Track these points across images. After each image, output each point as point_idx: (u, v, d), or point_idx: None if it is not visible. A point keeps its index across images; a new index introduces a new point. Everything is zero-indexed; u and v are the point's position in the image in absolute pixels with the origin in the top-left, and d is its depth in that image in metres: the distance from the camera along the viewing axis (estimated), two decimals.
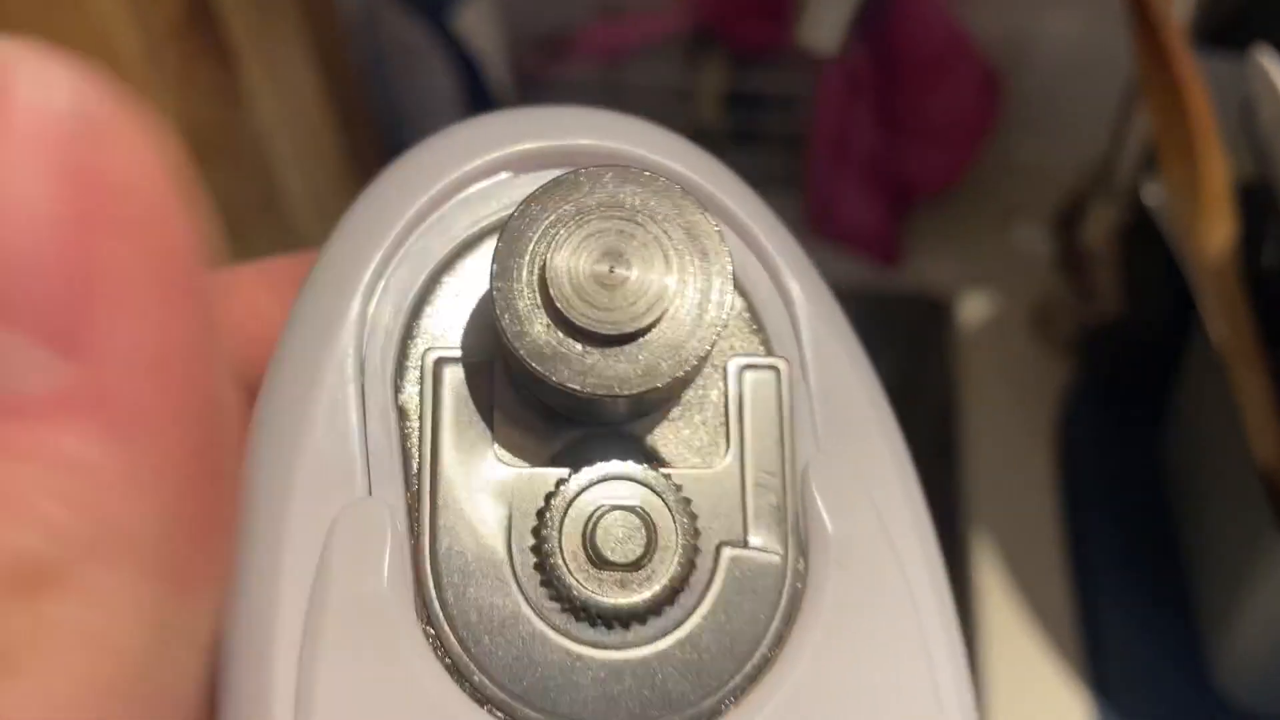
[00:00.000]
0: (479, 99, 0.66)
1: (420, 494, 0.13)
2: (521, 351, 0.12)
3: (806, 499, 0.14)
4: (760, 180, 0.73)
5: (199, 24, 0.48)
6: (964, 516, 0.60)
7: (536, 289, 0.12)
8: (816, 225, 0.70)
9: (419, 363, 0.13)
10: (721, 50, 0.71)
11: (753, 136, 0.75)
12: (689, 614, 0.13)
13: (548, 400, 0.13)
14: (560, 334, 0.12)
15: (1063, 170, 0.70)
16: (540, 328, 0.12)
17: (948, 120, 0.67)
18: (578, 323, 0.12)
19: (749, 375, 0.14)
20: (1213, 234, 0.40)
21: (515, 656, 0.12)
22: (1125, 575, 0.54)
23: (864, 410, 0.15)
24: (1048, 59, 0.71)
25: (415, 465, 0.13)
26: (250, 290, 0.14)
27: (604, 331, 0.12)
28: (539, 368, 0.12)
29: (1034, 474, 0.59)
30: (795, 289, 0.15)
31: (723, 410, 0.14)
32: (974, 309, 0.67)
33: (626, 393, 0.12)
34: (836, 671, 0.13)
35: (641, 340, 0.12)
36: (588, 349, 0.12)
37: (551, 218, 0.13)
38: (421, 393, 0.13)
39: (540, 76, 0.73)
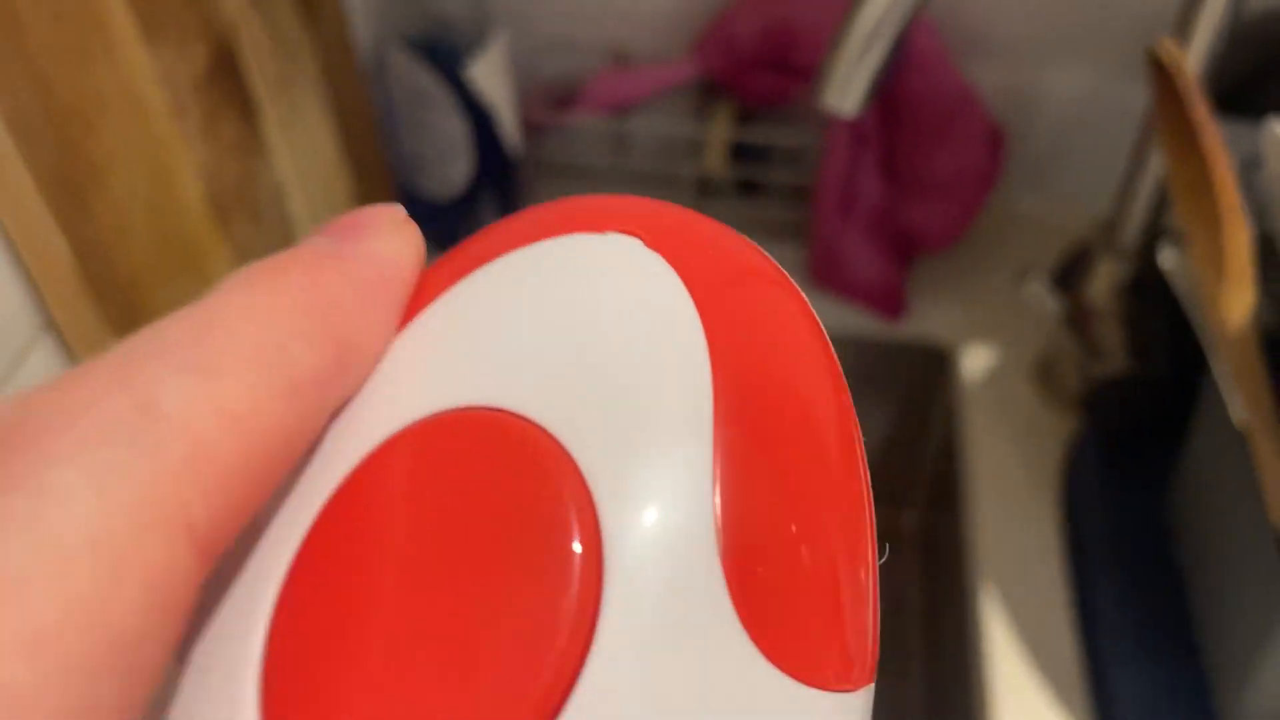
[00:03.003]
0: (490, 148, 0.66)
1: None
2: None
3: None
4: (766, 231, 0.74)
5: (222, 77, 0.48)
6: (969, 569, 0.60)
7: None
8: (822, 277, 0.70)
9: None
10: (729, 102, 0.71)
11: (759, 188, 0.76)
12: None
13: None
14: None
15: (1067, 225, 0.71)
16: None
17: (953, 175, 0.68)
18: None
19: None
20: (1236, 304, 0.41)
21: None
22: (1133, 630, 0.54)
23: None
24: (1053, 115, 0.72)
25: None
26: None
27: None
28: None
29: (1039, 527, 0.60)
30: None
31: None
32: (978, 361, 0.68)
33: None
34: None
35: None
36: None
37: None
38: None
39: (550, 126, 0.74)
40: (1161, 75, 0.41)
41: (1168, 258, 0.46)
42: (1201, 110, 0.38)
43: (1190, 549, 0.55)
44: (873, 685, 0.12)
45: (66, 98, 0.39)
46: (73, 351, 0.42)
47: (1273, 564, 0.44)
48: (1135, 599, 0.56)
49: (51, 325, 0.41)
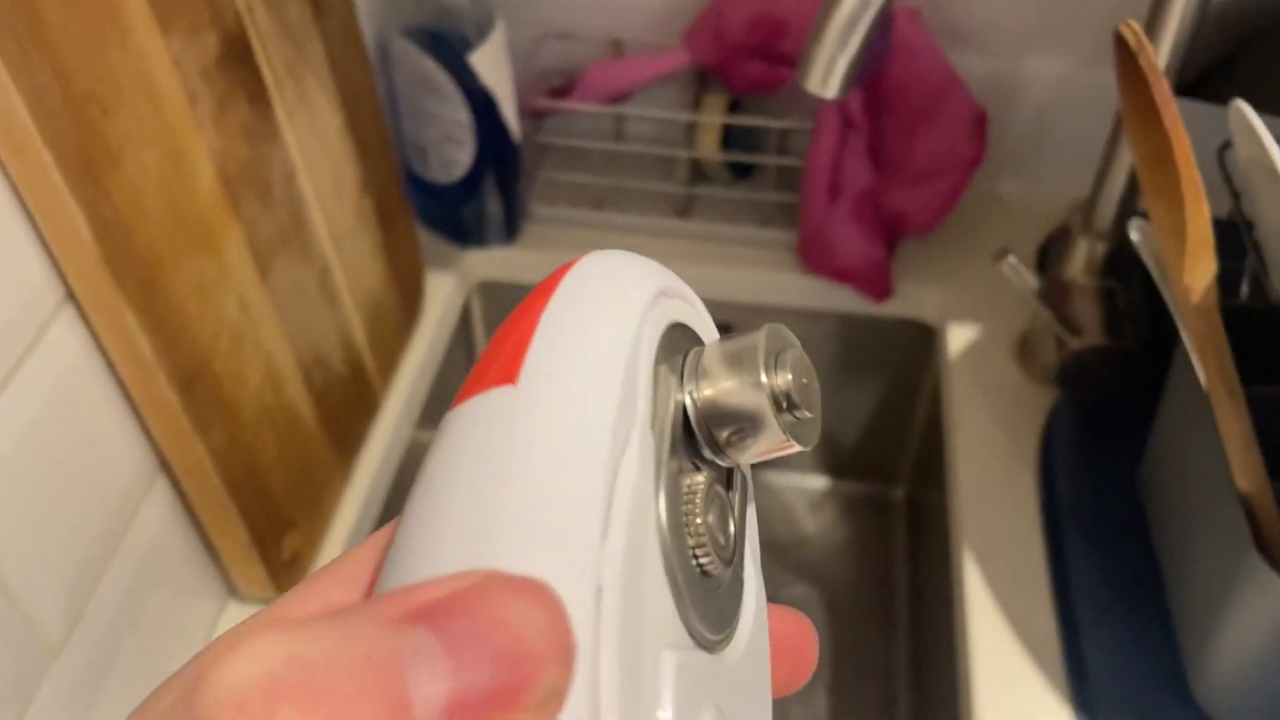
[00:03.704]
0: (492, 133, 0.68)
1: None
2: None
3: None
4: (758, 214, 0.76)
5: (233, 64, 0.50)
6: (952, 538, 0.62)
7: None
8: (811, 260, 0.73)
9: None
10: (721, 88, 0.74)
11: (751, 171, 0.78)
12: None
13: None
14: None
15: (1047, 207, 0.73)
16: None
17: (938, 159, 0.70)
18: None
19: None
20: (1198, 275, 0.43)
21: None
22: (1106, 595, 0.56)
23: None
24: (1034, 101, 0.74)
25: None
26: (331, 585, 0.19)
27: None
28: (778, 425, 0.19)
29: (1019, 497, 0.62)
30: None
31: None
32: (962, 337, 0.70)
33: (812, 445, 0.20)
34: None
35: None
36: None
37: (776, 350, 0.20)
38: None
39: (550, 111, 0.76)
40: (1125, 55, 0.43)
41: (1136, 231, 0.48)
42: (1163, 87, 0.40)
43: (1160, 515, 0.57)
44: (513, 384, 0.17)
45: (83, 82, 0.41)
46: (92, 323, 0.44)
47: (1235, 526, 0.46)
48: (1109, 563, 0.58)
49: (72, 298, 0.43)
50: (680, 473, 0.19)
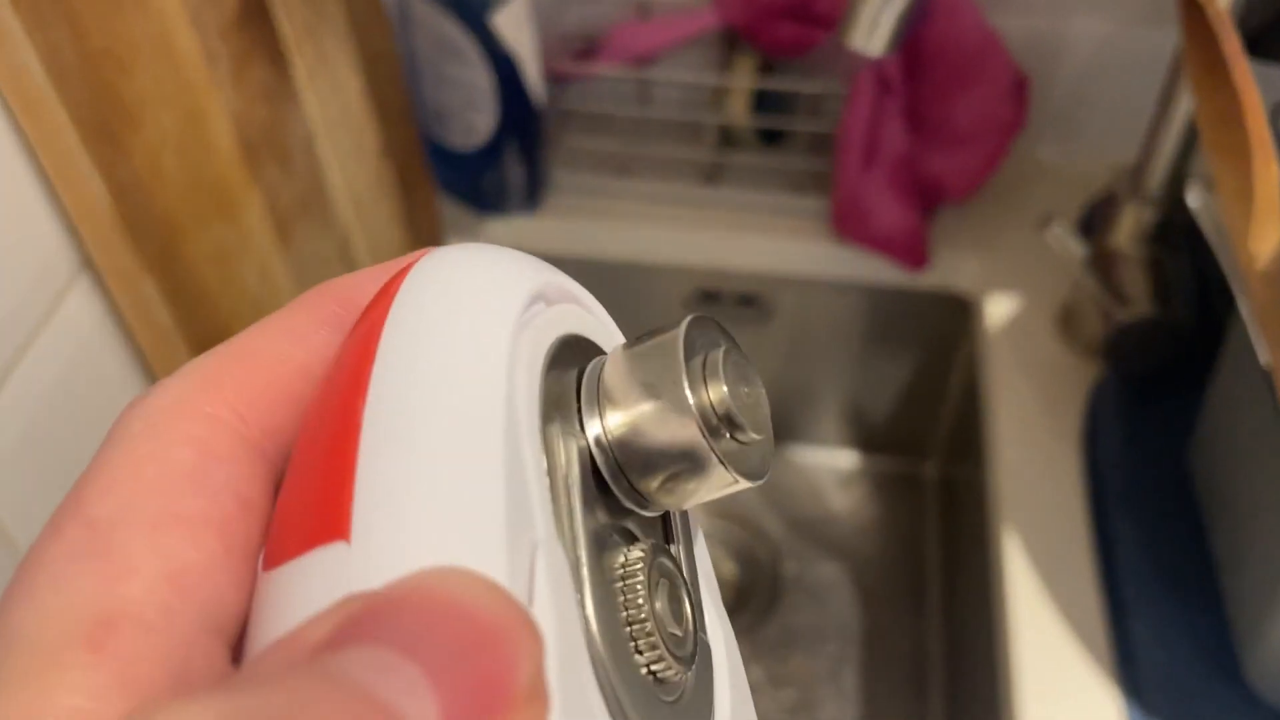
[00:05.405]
0: (514, 98, 0.66)
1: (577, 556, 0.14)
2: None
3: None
4: (788, 182, 0.74)
5: (251, 23, 0.48)
6: (991, 515, 0.60)
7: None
8: (845, 228, 0.70)
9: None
10: (751, 51, 0.71)
11: (781, 137, 0.76)
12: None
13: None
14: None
15: (1089, 174, 0.71)
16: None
17: (976, 123, 0.68)
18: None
19: None
20: (1264, 240, 0.41)
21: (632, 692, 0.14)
22: (1154, 574, 0.55)
23: None
24: (1076, 63, 0.71)
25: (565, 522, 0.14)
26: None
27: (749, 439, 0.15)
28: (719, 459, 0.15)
29: (1061, 473, 0.60)
30: None
31: None
32: (1000, 310, 0.68)
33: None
34: None
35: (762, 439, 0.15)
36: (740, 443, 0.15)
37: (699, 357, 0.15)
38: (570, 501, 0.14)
39: (573, 75, 0.74)
40: (1191, 8, 0.41)
41: (1195, 196, 0.46)
42: (1232, 42, 0.38)
43: (1211, 492, 0.56)
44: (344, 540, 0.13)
45: (99, 39, 0.39)
46: (110, 291, 0.42)
47: None
48: (1156, 542, 0.56)
49: (89, 265, 0.42)
50: (604, 551, 0.14)
